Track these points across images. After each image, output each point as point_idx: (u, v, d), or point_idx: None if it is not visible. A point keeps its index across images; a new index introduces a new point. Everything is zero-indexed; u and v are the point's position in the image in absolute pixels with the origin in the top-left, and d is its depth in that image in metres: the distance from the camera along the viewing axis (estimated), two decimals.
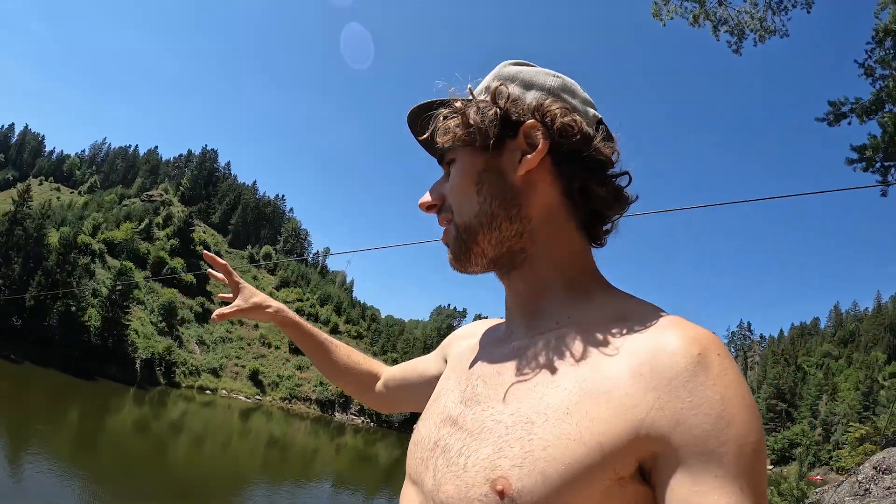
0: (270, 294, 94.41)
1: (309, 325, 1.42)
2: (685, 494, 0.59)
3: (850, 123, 14.16)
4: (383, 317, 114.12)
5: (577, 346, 0.73)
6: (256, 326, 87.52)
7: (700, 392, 0.61)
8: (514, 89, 0.84)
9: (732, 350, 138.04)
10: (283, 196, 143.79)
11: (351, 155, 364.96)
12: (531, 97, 0.83)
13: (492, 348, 0.88)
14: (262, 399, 75.84)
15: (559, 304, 0.81)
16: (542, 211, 0.83)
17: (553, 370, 0.72)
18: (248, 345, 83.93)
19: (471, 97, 0.84)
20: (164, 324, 71.81)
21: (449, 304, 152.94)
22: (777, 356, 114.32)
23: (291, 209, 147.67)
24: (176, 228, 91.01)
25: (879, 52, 13.80)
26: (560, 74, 0.88)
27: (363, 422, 77.34)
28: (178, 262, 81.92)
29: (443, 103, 0.86)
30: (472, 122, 0.81)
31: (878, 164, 14.01)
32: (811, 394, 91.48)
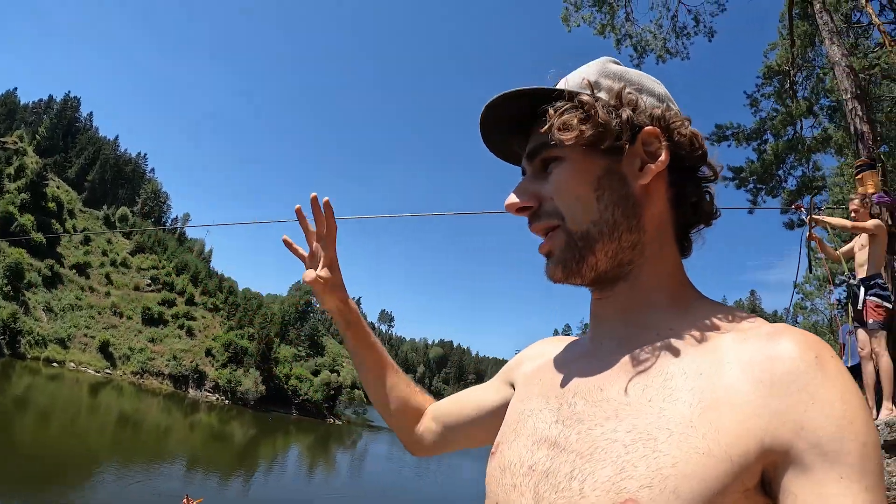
0: (124, 260, 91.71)
1: (373, 335, 1.26)
2: (810, 500, 0.58)
3: (729, 146, 15.79)
4: (241, 289, 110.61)
5: (688, 357, 0.70)
6: (108, 294, 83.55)
7: (821, 394, 0.60)
8: (629, 90, 0.80)
9: None
10: (146, 155, 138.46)
11: (223, 120, 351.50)
12: (646, 102, 0.81)
13: (582, 364, 0.83)
14: (113, 373, 72.42)
15: (661, 315, 0.79)
16: (655, 222, 0.81)
17: (666, 382, 0.69)
18: (99, 314, 79.50)
19: (591, 93, 0.80)
20: (8, 287, 66.81)
21: None
22: None
23: (153, 169, 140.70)
24: (28, 181, 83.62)
25: (766, 88, 15.61)
26: (658, 80, 0.87)
27: (217, 399, 75.53)
28: (27, 220, 75.99)
29: (558, 95, 0.80)
30: (602, 121, 0.76)
31: (750, 185, 15.46)
32: None
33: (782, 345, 0.65)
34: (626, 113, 0.77)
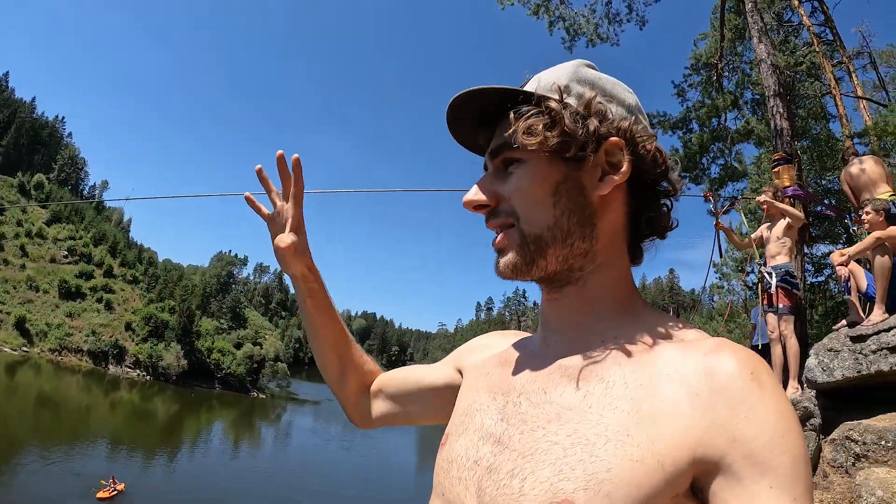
0: (40, 230, 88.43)
1: (334, 305, 1.22)
2: None
3: (654, 134, 17.93)
4: (160, 260, 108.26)
5: (629, 367, 0.72)
6: (23, 267, 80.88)
7: (758, 408, 0.62)
8: (599, 99, 0.80)
9: (507, 314, 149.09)
10: (63, 118, 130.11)
11: (148, 82, 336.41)
12: (615, 112, 0.81)
13: (529, 363, 0.85)
14: (30, 351, 70.94)
15: (607, 323, 0.80)
16: (609, 232, 0.81)
17: (608, 390, 0.71)
18: (14, 288, 77.28)
19: (559, 98, 0.78)
20: None
21: (230, 251, 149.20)
22: None
23: (70, 133, 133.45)
24: None
25: (694, 77, 16.01)
26: (630, 89, 0.86)
27: (139, 375, 74.65)
28: None
29: (527, 97, 0.79)
30: (568, 129, 0.76)
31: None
32: None
33: (721, 360, 0.67)
34: (592, 123, 0.77)
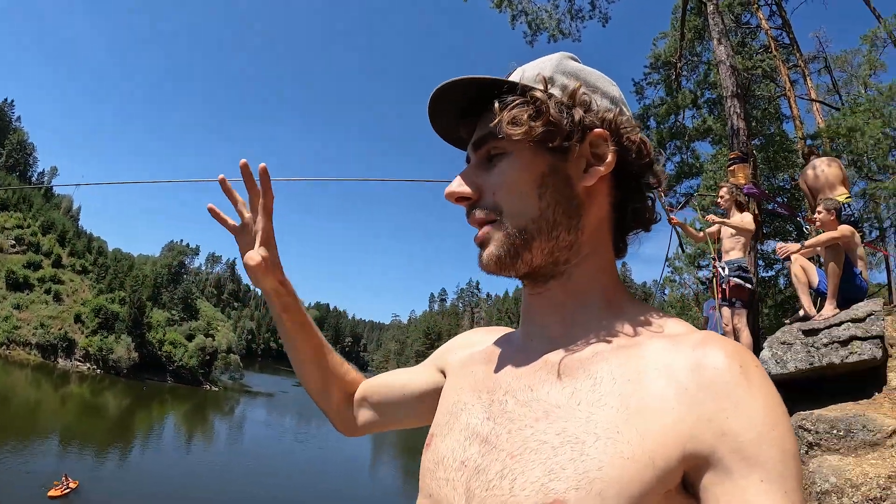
0: None
1: (309, 317, 1.19)
2: (732, 501, 0.59)
3: None
4: (111, 250, 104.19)
5: (616, 361, 0.71)
6: None
7: (746, 402, 0.61)
8: (583, 90, 0.79)
9: (460, 305, 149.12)
10: (12, 101, 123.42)
11: (101, 69, 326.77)
12: (599, 104, 0.80)
13: (513, 360, 0.83)
14: None
15: (593, 317, 0.79)
16: (594, 224, 0.81)
17: (596, 386, 0.70)
18: None
19: (544, 89, 0.77)
20: None
21: (182, 240, 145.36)
22: (501, 314, 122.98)
23: (19, 118, 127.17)
24: None
25: (653, 75, 16.35)
26: (614, 82, 0.86)
27: (89, 368, 72.93)
28: None
29: (511, 87, 0.78)
30: (553, 119, 0.75)
31: None
32: None
33: (709, 354, 0.66)
34: (578, 113, 0.76)
